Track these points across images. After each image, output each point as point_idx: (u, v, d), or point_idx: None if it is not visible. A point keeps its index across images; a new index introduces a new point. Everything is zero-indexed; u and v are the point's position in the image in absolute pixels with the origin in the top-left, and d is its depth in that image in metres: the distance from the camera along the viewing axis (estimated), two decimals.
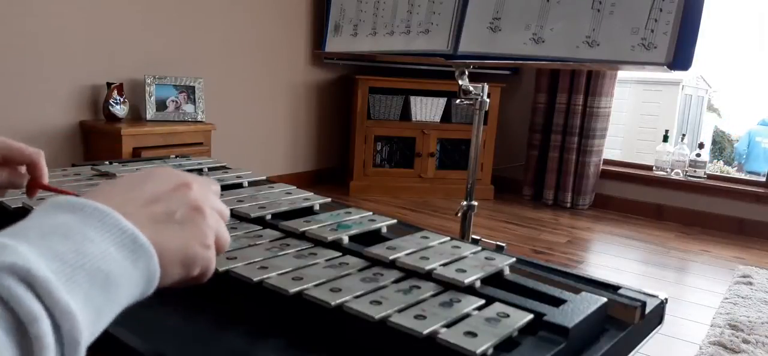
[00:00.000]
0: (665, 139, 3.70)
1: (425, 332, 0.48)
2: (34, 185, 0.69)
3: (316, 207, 0.88)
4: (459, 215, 1.46)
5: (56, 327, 0.30)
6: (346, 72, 3.93)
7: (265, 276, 0.59)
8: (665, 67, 1.03)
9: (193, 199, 0.43)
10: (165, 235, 0.39)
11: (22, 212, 0.81)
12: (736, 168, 6.52)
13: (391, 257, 0.64)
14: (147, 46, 2.88)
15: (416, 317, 0.51)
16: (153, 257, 0.37)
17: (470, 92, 1.38)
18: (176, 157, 1.25)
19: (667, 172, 3.64)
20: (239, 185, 0.99)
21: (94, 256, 0.34)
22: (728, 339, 1.85)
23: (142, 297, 0.38)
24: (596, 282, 0.65)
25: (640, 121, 6.20)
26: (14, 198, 0.85)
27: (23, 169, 0.69)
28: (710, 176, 3.57)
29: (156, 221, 0.39)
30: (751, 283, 2.43)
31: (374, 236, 0.76)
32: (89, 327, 0.32)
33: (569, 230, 3.18)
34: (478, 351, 0.45)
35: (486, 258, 0.66)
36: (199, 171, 1.11)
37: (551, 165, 3.70)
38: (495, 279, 0.62)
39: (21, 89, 2.42)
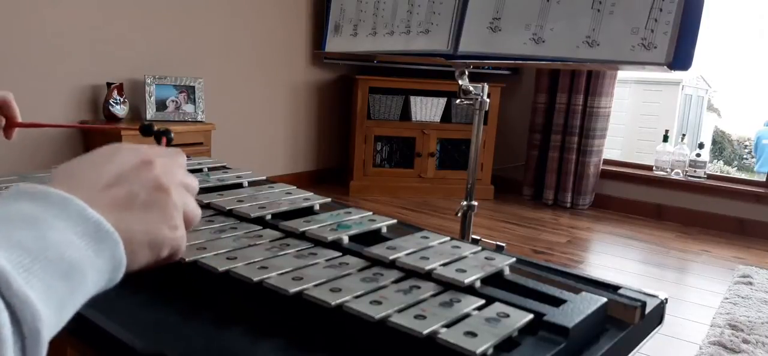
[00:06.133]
0: (665, 139, 3.70)
1: (425, 332, 0.48)
2: (10, 126, 0.71)
3: (316, 207, 0.88)
4: (459, 215, 1.46)
5: (15, 320, 0.29)
6: (346, 72, 3.93)
7: (265, 276, 0.59)
8: (665, 67, 1.03)
9: (156, 178, 0.41)
10: (129, 220, 0.38)
11: None
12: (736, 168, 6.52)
13: (391, 257, 0.64)
14: (147, 46, 2.88)
15: (416, 317, 0.51)
16: (118, 244, 0.36)
17: (470, 92, 1.38)
18: None
19: (667, 172, 3.64)
20: (239, 185, 0.99)
21: (56, 244, 0.33)
22: (728, 339, 1.85)
23: (109, 286, 0.37)
24: (596, 282, 0.65)
25: (640, 121, 6.20)
26: None
27: None
28: (710, 176, 3.57)
29: (119, 206, 0.38)
30: (751, 283, 2.43)
31: (374, 236, 0.76)
32: (51, 317, 0.31)
33: (569, 230, 3.18)
34: (478, 351, 0.45)
35: (486, 258, 0.66)
36: (199, 171, 1.11)
37: (551, 165, 3.70)
38: (495, 279, 0.62)
39: (21, 88, 2.42)
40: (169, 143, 0.65)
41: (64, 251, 0.33)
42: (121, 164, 0.41)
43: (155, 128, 0.80)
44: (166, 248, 0.41)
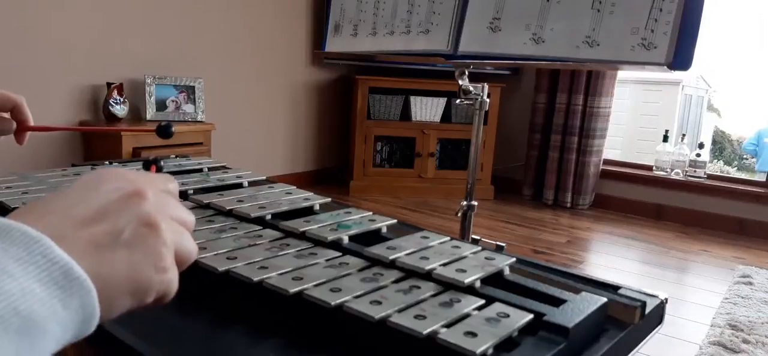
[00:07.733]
0: (665, 139, 3.70)
1: (425, 332, 0.48)
2: (22, 130, 0.71)
3: (316, 207, 0.88)
4: (459, 215, 1.46)
5: None
6: (346, 72, 3.93)
7: (265, 276, 0.59)
8: (665, 67, 1.03)
9: (146, 213, 0.35)
10: (108, 262, 0.33)
11: None
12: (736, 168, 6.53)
13: (391, 257, 0.64)
14: (147, 46, 2.88)
15: (416, 317, 0.51)
16: (90, 293, 0.31)
17: (470, 92, 1.38)
18: (176, 157, 1.25)
19: (667, 172, 3.64)
20: (239, 185, 0.99)
21: (10, 295, 0.27)
22: (728, 339, 1.85)
23: (76, 339, 0.32)
24: (596, 282, 0.65)
25: (640, 121, 6.21)
26: (14, 198, 0.85)
27: (7, 115, 0.71)
28: (710, 176, 3.57)
29: (98, 246, 0.33)
30: (751, 283, 2.43)
31: (374, 236, 0.76)
32: None
33: (569, 230, 3.18)
34: (478, 351, 0.45)
35: (486, 258, 0.66)
36: (199, 171, 1.11)
37: (551, 165, 3.70)
38: (495, 279, 0.62)
39: (21, 88, 2.41)
40: (158, 172, 0.62)
41: (18, 304, 0.27)
42: (107, 194, 0.35)
43: (168, 125, 0.78)
44: (151, 293, 0.35)
